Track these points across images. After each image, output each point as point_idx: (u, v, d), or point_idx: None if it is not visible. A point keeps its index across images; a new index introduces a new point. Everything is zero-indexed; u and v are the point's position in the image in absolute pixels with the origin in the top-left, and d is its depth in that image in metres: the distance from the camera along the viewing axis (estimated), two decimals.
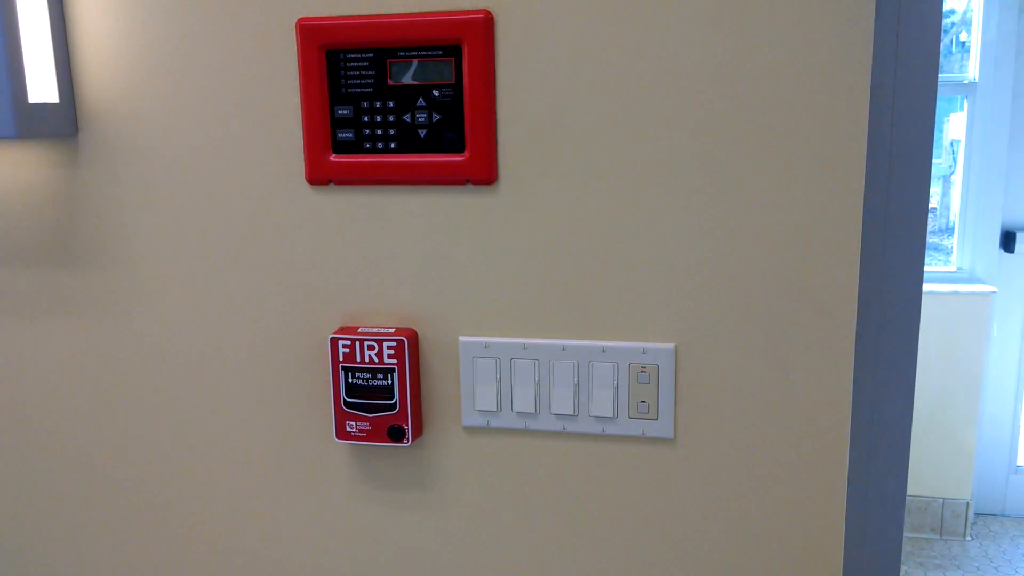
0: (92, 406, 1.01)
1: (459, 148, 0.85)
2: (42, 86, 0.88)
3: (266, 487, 0.99)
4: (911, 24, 0.86)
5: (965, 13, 2.89)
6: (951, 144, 2.94)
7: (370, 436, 0.91)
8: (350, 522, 0.98)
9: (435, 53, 0.83)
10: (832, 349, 0.83)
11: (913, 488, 2.82)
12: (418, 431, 0.92)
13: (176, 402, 0.99)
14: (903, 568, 2.69)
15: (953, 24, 2.97)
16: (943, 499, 2.84)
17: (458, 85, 0.83)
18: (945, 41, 3.02)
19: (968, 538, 2.85)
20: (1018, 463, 2.96)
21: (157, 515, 1.02)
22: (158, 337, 0.97)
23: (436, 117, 0.85)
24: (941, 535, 2.86)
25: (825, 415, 0.85)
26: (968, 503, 2.83)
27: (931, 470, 2.82)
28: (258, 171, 0.91)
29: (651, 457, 0.89)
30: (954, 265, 2.88)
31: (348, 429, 0.92)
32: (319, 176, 0.88)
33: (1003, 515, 2.99)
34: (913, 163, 0.90)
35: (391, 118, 0.85)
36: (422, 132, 0.85)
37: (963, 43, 2.90)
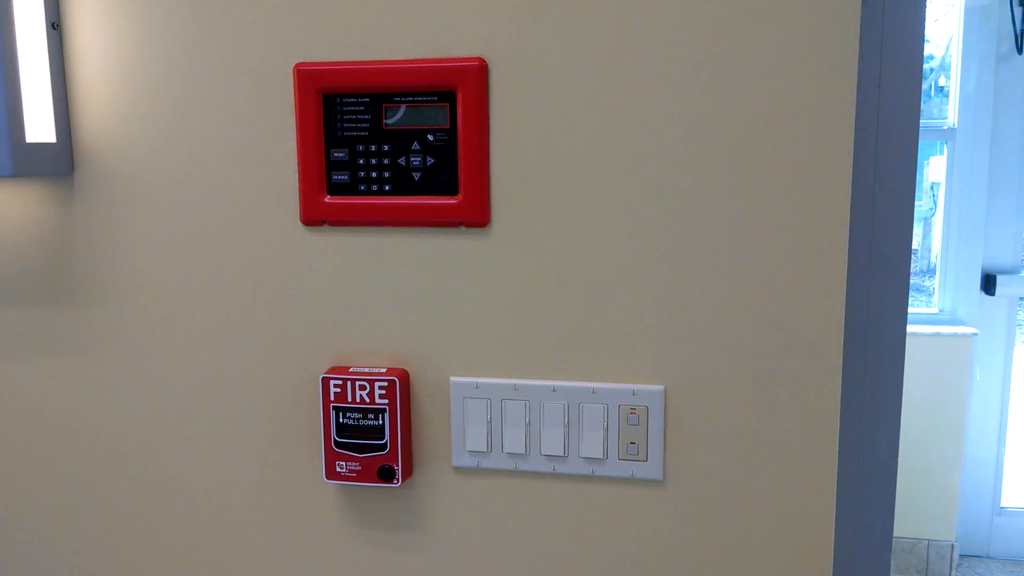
0: (83, 443, 1.00)
1: (452, 191, 0.86)
2: (40, 126, 0.89)
3: (255, 526, 0.98)
4: (893, 71, 0.89)
5: (944, 58, 2.96)
6: (931, 187, 2.99)
7: (360, 476, 0.91)
8: (339, 563, 0.97)
9: (430, 98, 0.85)
10: (819, 391, 0.84)
11: (898, 530, 2.82)
12: (408, 471, 0.92)
13: (167, 439, 0.98)
14: None
15: (932, 69, 3.04)
16: (928, 540, 2.84)
17: (452, 130, 0.85)
18: (924, 86, 3.08)
19: None
20: (1002, 505, 2.97)
21: (146, 554, 1.01)
22: (150, 375, 0.97)
23: (430, 160, 0.86)
24: None
25: (812, 457, 0.85)
26: (953, 545, 2.83)
27: (916, 512, 2.82)
28: (253, 211, 0.91)
29: (640, 499, 0.89)
30: (936, 307, 2.92)
31: (338, 469, 0.92)
32: (313, 217, 0.89)
33: (988, 556, 2.99)
34: (896, 206, 0.92)
35: (386, 161, 0.87)
36: (416, 175, 0.87)
37: (942, 88, 2.97)
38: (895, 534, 2.83)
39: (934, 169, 2.95)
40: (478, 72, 0.84)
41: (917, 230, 3.21)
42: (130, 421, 0.99)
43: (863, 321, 0.93)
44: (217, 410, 0.96)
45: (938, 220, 2.93)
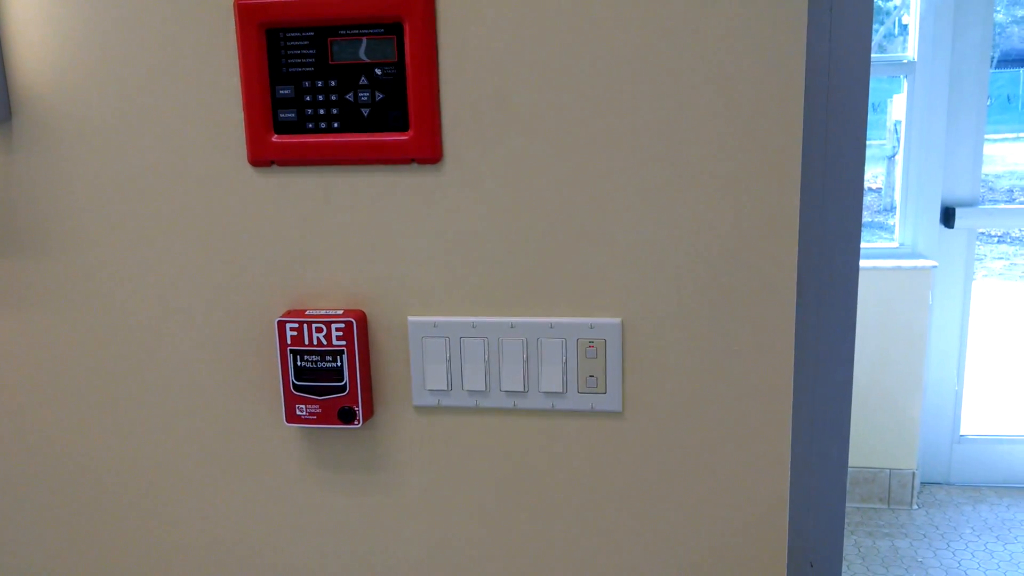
0: (32, 395, 0.99)
1: (403, 127, 0.85)
2: None
3: (216, 472, 0.98)
4: (845, 2, 0.88)
5: None
6: (895, 125, 2.99)
7: (320, 419, 0.91)
8: (302, 506, 0.97)
9: (376, 31, 0.83)
10: (773, 322, 0.85)
11: (861, 460, 2.89)
12: (369, 412, 0.92)
13: (121, 389, 0.97)
14: (853, 537, 2.76)
15: (895, 7, 3.02)
16: (890, 469, 2.92)
17: (400, 63, 0.83)
18: (888, 24, 3.08)
19: (915, 507, 2.93)
20: (961, 433, 3.05)
21: (104, 502, 1.01)
22: (101, 324, 0.95)
23: (379, 96, 0.84)
24: (889, 504, 2.94)
25: (768, 386, 0.86)
26: (914, 473, 2.91)
27: (878, 442, 2.89)
28: (199, 153, 0.89)
29: (600, 430, 0.90)
30: (896, 241, 2.95)
31: (298, 412, 0.91)
32: (261, 157, 0.87)
33: (948, 483, 3.08)
34: (848, 140, 0.92)
35: (333, 97, 0.85)
36: (365, 111, 0.85)
37: (905, 26, 2.96)
38: (858, 464, 2.90)
39: (897, 107, 2.95)
40: (425, 1, 0.81)
41: (880, 169, 3.22)
42: (80, 373, 0.97)
43: (817, 254, 0.93)
44: (171, 359, 0.95)
45: (901, 158, 2.94)
